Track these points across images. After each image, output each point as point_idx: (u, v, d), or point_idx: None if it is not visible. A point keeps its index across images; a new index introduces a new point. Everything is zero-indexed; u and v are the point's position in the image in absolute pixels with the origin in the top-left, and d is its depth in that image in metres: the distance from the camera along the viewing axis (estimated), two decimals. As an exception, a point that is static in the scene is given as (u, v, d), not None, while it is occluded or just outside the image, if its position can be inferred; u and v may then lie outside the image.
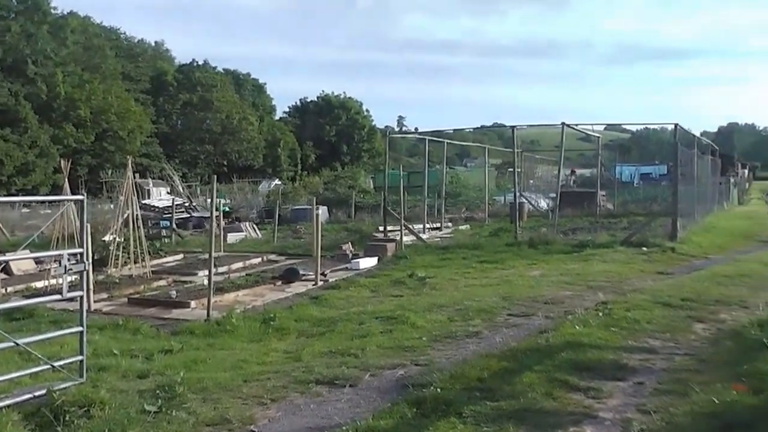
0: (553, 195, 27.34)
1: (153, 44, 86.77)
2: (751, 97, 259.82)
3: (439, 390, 5.96)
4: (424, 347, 7.85)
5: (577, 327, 8.19)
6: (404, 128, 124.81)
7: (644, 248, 15.92)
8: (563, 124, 19.77)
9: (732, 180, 38.45)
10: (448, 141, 28.71)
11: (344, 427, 5.31)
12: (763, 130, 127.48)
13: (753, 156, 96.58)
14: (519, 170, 32.78)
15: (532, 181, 37.83)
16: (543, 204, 30.50)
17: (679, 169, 18.08)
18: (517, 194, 21.84)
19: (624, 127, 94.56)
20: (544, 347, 7.37)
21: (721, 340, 7.70)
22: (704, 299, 9.96)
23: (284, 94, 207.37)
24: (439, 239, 21.33)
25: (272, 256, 18.74)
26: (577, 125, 22.56)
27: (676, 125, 17.75)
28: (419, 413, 5.50)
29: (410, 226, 21.16)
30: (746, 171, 60.55)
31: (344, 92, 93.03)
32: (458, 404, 5.60)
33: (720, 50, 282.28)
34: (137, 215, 14.61)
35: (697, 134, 28.00)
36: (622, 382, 6.33)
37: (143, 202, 28.76)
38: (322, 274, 14.46)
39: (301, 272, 14.51)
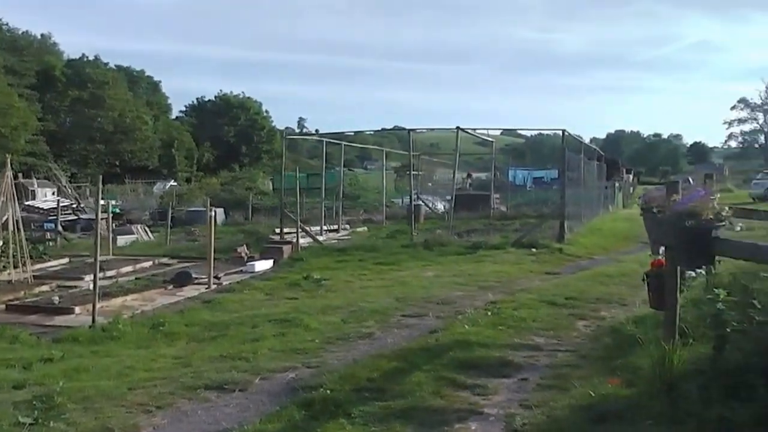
0: (449, 198, 27.85)
1: (39, 37, 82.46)
2: (637, 107, 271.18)
3: (329, 392, 6.00)
4: (316, 349, 7.87)
5: (467, 326, 8.40)
6: (305, 130, 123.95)
7: (534, 249, 16.44)
8: (458, 128, 20.21)
9: (617, 184, 40.03)
10: (348, 143, 28.85)
11: (231, 432, 5.29)
12: (647, 138, 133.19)
13: (638, 162, 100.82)
14: (418, 173, 33.33)
15: (430, 184, 38.43)
16: (440, 206, 31.00)
17: (567, 174, 18.76)
18: (414, 197, 22.17)
19: (519, 132, 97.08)
20: (434, 347, 7.53)
21: (600, 337, 8.03)
22: (587, 298, 10.37)
23: (181, 93, 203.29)
24: (336, 241, 21.41)
25: (164, 259, 18.38)
26: (473, 129, 23.10)
27: (563, 131, 18.43)
28: (308, 415, 5.52)
29: (307, 228, 21.17)
30: (631, 176, 63.16)
31: (243, 92, 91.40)
32: (348, 405, 5.65)
33: (610, 61, 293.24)
34: (18, 217, 14.03)
35: (587, 141, 29.09)
36: (507, 379, 6.53)
37: (26, 203, 27.66)
38: (216, 277, 14.29)
39: (194, 275, 14.30)
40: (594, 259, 16.24)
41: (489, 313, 9.19)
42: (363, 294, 11.66)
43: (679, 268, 5.40)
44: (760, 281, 6.60)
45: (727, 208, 4.97)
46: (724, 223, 4.96)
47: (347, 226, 26.66)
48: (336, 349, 7.92)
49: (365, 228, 26.35)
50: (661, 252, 5.78)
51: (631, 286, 11.37)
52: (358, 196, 37.31)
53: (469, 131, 21.99)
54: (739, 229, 5.98)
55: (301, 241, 19.07)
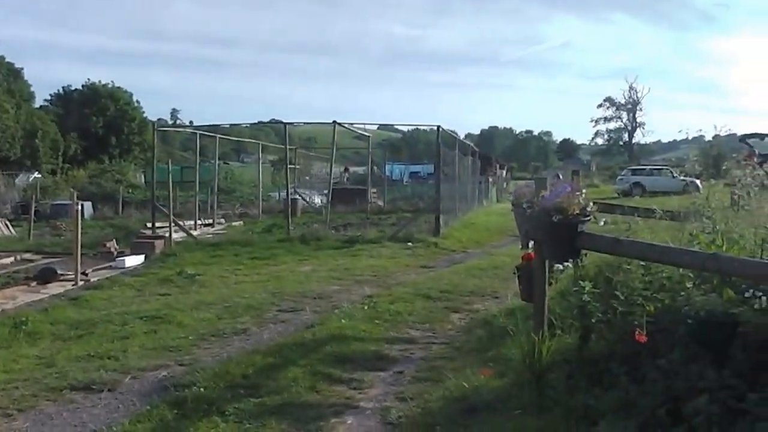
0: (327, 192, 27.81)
1: None
2: (510, 104, 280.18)
3: (202, 390, 5.88)
4: (189, 346, 7.68)
5: (343, 320, 8.41)
6: (179, 122, 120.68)
7: (410, 243, 16.65)
8: (335, 122, 20.22)
9: (491, 179, 41.16)
10: (223, 136, 28.31)
11: (98, 434, 5.08)
12: (519, 134, 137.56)
13: (510, 157, 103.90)
14: (295, 167, 33.11)
15: (308, 178, 38.28)
16: (317, 200, 30.95)
17: (443, 169, 19.12)
18: (292, 191, 22.02)
19: (396, 127, 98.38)
20: (310, 341, 7.50)
21: (473, 329, 8.21)
22: (461, 291, 10.59)
23: (45, 81, 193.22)
24: (211, 236, 20.97)
25: (27, 255, 17.40)
26: (350, 124, 23.21)
27: (438, 127, 18.77)
28: (180, 414, 5.39)
29: (180, 223, 20.64)
30: (504, 171, 65.06)
31: (113, 81, 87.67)
32: (221, 403, 5.55)
33: (483, 58, 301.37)
34: None
35: (462, 136, 29.77)
36: (383, 372, 6.59)
37: None
38: (83, 273, 13.70)
39: (60, 272, 13.64)
40: (468, 252, 16.61)
41: (365, 307, 9.23)
42: (238, 289, 11.47)
43: (547, 261, 5.59)
44: (623, 273, 6.94)
45: (592, 204, 5.17)
46: (589, 218, 5.16)
47: (222, 221, 26.17)
48: (209, 345, 7.75)
49: (241, 222, 25.95)
50: (530, 246, 5.95)
51: (503, 279, 11.69)
52: (234, 189, 36.64)
53: (346, 125, 22.08)
54: (603, 223, 6.23)
55: (175, 235, 18.56)
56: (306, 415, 5.39)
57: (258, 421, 5.22)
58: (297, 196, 28.36)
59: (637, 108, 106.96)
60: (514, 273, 6.72)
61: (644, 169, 45.95)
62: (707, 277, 4.92)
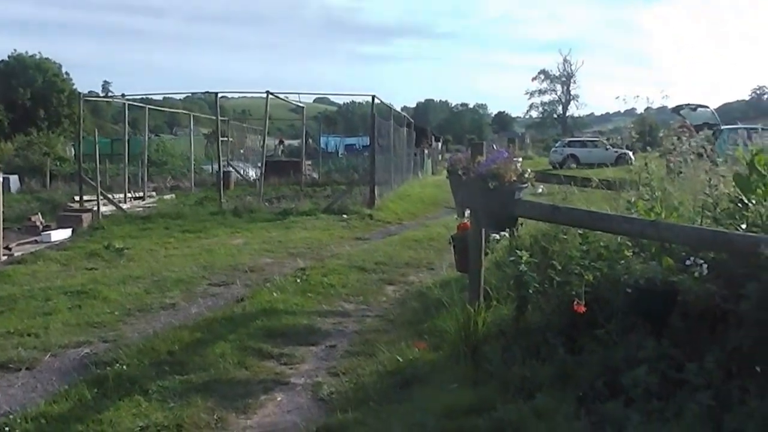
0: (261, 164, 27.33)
1: None
2: (445, 76, 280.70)
3: (125, 367, 5.59)
4: (115, 322, 7.34)
5: (275, 294, 8.17)
6: (110, 93, 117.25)
7: (344, 215, 16.42)
8: (268, 92, 19.73)
9: (426, 151, 41.10)
10: (156, 107, 27.50)
11: (12, 416, 4.76)
12: (454, 107, 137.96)
13: (446, 130, 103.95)
14: (229, 139, 32.44)
15: (242, 150, 37.56)
16: (251, 173, 30.38)
17: (378, 140, 18.89)
18: (224, 163, 21.52)
19: (332, 100, 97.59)
20: (240, 316, 7.25)
21: (408, 301, 8.07)
22: (396, 262, 10.44)
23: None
24: (141, 209, 20.34)
25: (-54, 230, 16.63)
26: (285, 95, 22.76)
27: (373, 97, 18.48)
28: (100, 393, 5.10)
29: (109, 196, 19.97)
30: (440, 143, 65.14)
31: (40, 53, 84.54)
32: (145, 381, 5.28)
33: (418, 31, 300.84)
34: None
35: (398, 109, 29.53)
36: (315, 347, 6.40)
37: None
38: (6, 248, 13.09)
39: (-20, 246, 13.02)
40: (403, 224, 16.47)
41: (298, 280, 8.99)
42: (168, 263, 11.07)
43: (483, 230, 5.44)
44: (560, 243, 6.86)
45: (529, 170, 5.03)
46: (526, 185, 5.03)
47: (153, 194, 25.45)
48: (136, 321, 7.42)
49: (173, 195, 25.27)
50: (466, 215, 5.81)
51: (437, 250, 11.60)
52: (165, 162, 35.67)
53: (280, 96, 21.59)
54: (540, 191, 6.13)
55: (103, 209, 17.93)
56: (234, 392, 5.16)
57: (183, 399, 4.97)
58: (230, 169, 27.80)
59: (571, 81, 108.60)
60: (449, 243, 6.58)
61: (578, 141, 46.58)
62: (646, 245, 4.84)
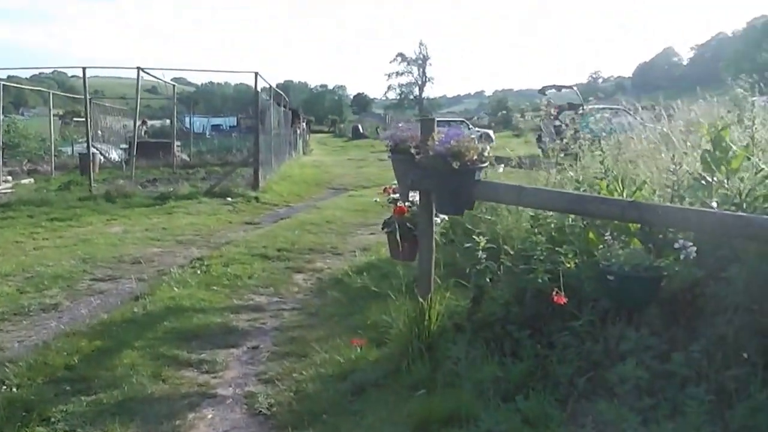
0: (125, 146, 25.80)
1: None
2: (305, 57, 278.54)
3: (14, 389, 4.66)
4: (-12, 330, 6.31)
5: (176, 289, 7.33)
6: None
7: (229, 198, 15.50)
8: (139, 68, 18.32)
9: (298, 131, 40.26)
10: (11, 84, 25.16)
11: None
12: (314, 88, 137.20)
13: (307, 111, 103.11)
14: (88, 120, 30.32)
15: (100, 132, 35.36)
16: (115, 155, 28.57)
17: (260, 119, 17.94)
18: (90, 144, 19.87)
19: (189, 81, 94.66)
20: (142, 317, 6.38)
21: (324, 290, 7.44)
22: (298, 248, 9.76)
23: None
24: (-3, 196, 18.58)
25: None
26: (157, 71, 21.32)
27: (256, 74, 17.52)
28: (-11, 425, 4.20)
29: (-41, 182, 18.10)
30: (305, 124, 64.40)
31: None
32: (43, 406, 4.38)
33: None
34: None
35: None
36: (236, 349, 5.67)
37: None
38: None
39: None
40: (291, 206, 15.71)
41: (198, 272, 8.16)
42: (39, 256, 9.85)
43: (438, 216, 4.91)
44: (485, 225, 6.42)
45: (488, 147, 4.52)
46: (486, 165, 4.53)
47: (9, 178, 23.42)
48: (14, 328, 6.34)
49: (31, 180, 23.32)
50: (412, 197, 5.24)
51: (339, 234, 11.03)
52: (18, 144, 33.07)
53: (150, 72, 20.12)
54: (501, 170, 5.66)
55: (-47, 197, 16.18)
56: (156, 412, 4.37)
57: (96, 426, 4.14)
58: (95, 151, 25.99)
59: (427, 63, 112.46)
60: (382, 228, 6.00)
61: (444, 120, 46.99)
62: (615, 227, 4.45)
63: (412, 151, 4.62)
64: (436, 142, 4.43)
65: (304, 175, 22.75)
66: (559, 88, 32.10)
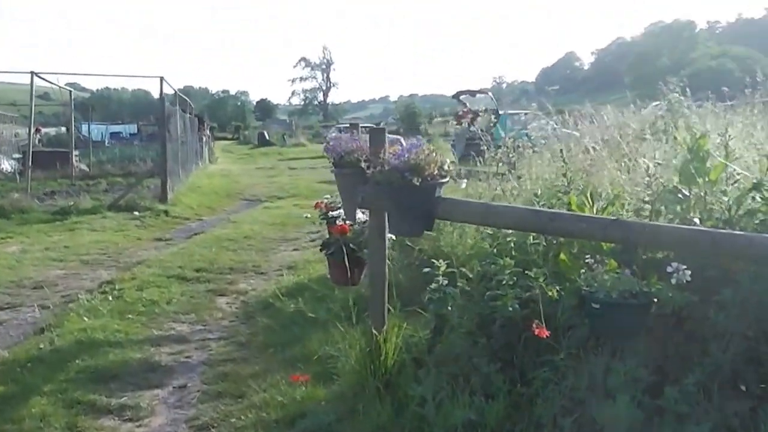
0: (18, 156, 24.33)
1: None
2: (205, 63, 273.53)
3: None
4: None
5: (86, 318, 6.57)
6: None
7: (136, 212, 14.55)
8: (32, 72, 17.08)
9: (204, 139, 39.07)
10: None
11: None
12: (216, 94, 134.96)
13: (209, 117, 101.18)
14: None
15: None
16: (7, 165, 26.86)
17: (166, 126, 17.01)
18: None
19: (83, 86, 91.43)
20: (50, 354, 5.63)
21: (252, 316, 6.84)
22: (218, 268, 9.07)
23: None
24: None
25: None
26: (53, 75, 20.05)
27: (161, 78, 16.63)
28: None
29: None
30: (209, 131, 62.97)
31: None
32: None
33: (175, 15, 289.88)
34: None
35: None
36: (161, 390, 5.02)
37: None
38: None
39: None
40: (204, 220, 14.88)
41: (109, 297, 7.40)
42: None
43: (387, 235, 4.41)
44: (429, 242, 5.99)
45: (448, 161, 4.07)
46: (447, 180, 4.07)
47: None
48: None
49: None
50: (360, 217, 4.74)
51: (260, 251, 10.40)
52: None
53: (45, 77, 18.85)
54: (464, 185, 5.21)
55: None
56: (73, 476, 3.73)
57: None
58: (-19, 161, 24.42)
59: (331, 68, 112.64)
60: (321, 250, 5.49)
61: (354, 126, 46.52)
62: (586, 246, 4.08)
63: (363, 165, 4.11)
64: (391, 155, 3.95)
65: (214, 185, 21.83)
66: (473, 93, 32.10)
